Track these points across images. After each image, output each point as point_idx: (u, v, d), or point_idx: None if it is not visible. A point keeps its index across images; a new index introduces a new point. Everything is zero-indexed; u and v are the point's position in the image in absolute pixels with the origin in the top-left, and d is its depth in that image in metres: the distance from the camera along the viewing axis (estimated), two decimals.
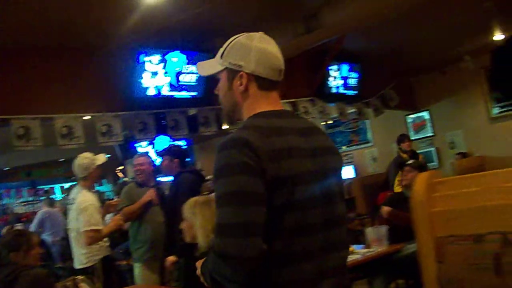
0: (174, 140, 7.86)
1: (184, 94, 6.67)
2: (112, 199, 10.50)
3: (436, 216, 2.22)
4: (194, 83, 6.71)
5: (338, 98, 8.79)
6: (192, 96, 6.78)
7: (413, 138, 11.20)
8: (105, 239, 5.00)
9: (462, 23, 7.69)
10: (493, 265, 1.98)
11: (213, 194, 4.20)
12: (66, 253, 6.62)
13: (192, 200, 3.77)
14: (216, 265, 1.60)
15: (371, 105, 9.44)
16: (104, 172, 6.90)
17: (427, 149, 11.04)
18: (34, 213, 11.46)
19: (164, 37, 6.22)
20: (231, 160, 1.61)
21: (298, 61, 7.62)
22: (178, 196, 4.97)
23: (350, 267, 4.62)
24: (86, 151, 5.21)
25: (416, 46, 8.72)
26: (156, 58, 6.31)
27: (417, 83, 11.10)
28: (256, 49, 1.81)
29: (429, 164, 10.77)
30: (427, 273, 2.23)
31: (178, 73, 6.55)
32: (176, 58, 6.47)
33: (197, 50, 6.63)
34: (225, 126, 7.25)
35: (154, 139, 8.74)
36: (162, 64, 6.37)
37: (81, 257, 4.81)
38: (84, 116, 6.08)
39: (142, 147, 10.55)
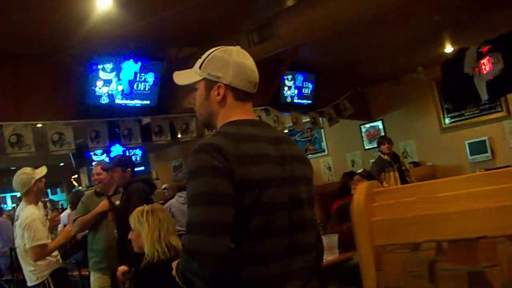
0: (127, 149, 7.81)
1: (137, 102, 6.63)
2: (66, 208, 10.36)
3: (375, 225, 2.27)
4: (147, 92, 6.68)
5: (293, 107, 8.86)
6: (146, 104, 6.75)
7: (367, 147, 11.39)
8: (55, 252, 4.93)
9: (415, 35, 7.85)
10: (428, 272, 2.03)
11: (156, 204, 4.21)
12: (15, 265, 6.48)
13: (138, 209, 3.76)
14: (186, 262, 1.69)
15: (325, 114, 9.55)
16: (59, 181, 6.81)
17: None
18: None
19: (118, 45, 6.17)
20: (202, 163, 1.71)
21: None
22: (130, 206, 4.95)
23: None
24: (37, 160, 5.13)
25: (370, 56, 8.85)
26: (109, 66, 6.25)
27: (371, 93, 11.24)
28: (234, 62, 1.92)
29: None
30: (367, 281, 2.28)
31: (131, 82, 6.51)
32: (130, 66, 6.43)
33: (150, 59, 6.60)
34: (179, 135, 7.24)
35: (109, 148, 8.63)
36: (115, 72, 6.32)
37: (30, 274, 4.73)
38: (35, 124, 5.98)
39: (98, 155, 10.44)
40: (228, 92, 1.92)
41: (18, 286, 5.34)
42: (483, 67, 7.11)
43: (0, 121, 5.72)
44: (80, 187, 12.27)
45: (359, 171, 6.21)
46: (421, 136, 10.51)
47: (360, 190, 2.32)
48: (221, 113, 1.94)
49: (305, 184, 1.94)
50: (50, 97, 6.16)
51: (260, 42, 6.14)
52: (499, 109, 9.55)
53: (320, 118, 9.71)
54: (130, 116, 6.72)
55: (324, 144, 12.19)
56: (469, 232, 2.00)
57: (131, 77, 6.48)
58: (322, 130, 11.67)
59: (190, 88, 2.05)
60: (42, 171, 5.03)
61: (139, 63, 6.49)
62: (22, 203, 4.98)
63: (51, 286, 4.70)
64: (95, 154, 10.41)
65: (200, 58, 1.99)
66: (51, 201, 11.26)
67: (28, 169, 4.95)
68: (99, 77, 6.21)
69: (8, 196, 15.71)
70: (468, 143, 9.71)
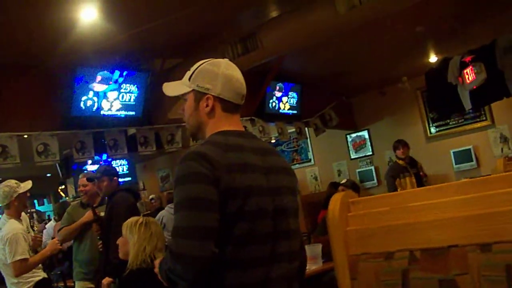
0: (112, 159, 7.80)
1: (122, 113, 6.65)
2: (50, 219, 10.33)
3: (350, 235, 2.30)
4: (132, 103, 6.69)
5: (278, 117, 8.90)
6: (131, 115, 6.76)
7: (353, 157, 11.44)
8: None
9: (400, 46, 7.93)
10: (401, 281, 2.07)
11: (152, 218, 4.24)
12: None
13: (133, 219, 3.82)
14: (170, 264, 1.73)
15: (311, 124, 9.60)
16: (46, 192, 6.79)
17: (367, 168, 11.25)
18: None
19: (103, 57, 6.19)
20: (189, 170, 1.78)
21: None
22: (114, 215, 4.96)
23: None
24: (23, 171, 5.10)
25: (355, 67, 8.93)
26: (95, 77, 6.26)
27: (356, 103, 11.32)
28: (223, 74, 2.00)
29: (368, 183, 11.04)
30: None
31: (117, 93, 6.52)
32: (115, 77, 6.44)
33: (135, 70, 6.62)
34: (166, 146, 7.25)
35: (102, 159, 8.59)
36: (100, 83, 6.33)
37: (12, 287, 4.71)
38: (20, 135, 5.98)
39: (88, 165, 10.41)
40: (216, 103, 2.00)
41: None
42: (467, 76, 7.19)
43: None
44: (67, 198, 12.23)
45: (343, 181, 6.25)
46: None
47: (335, 200, 2.36)
48: (209, 124, 2.01)
49: (290, 194, 2.01)
50: (35, 108, 6.13)
51: (244, 53, 6.18)
52: (484, 118, 9.65)
53: (306, 128, 9.76)
54: (116, 127, 6.72)
55: (310, 154, 12.22)
56: (441, 241, 2.04)
57: (116, 88, 6.49)
58: (308, 140, 11.71)
59: (176, 99, 2.12)
60: (27, 185, 5.01)
61: (124, 74, 6.50)
62: (3, 216, 4.96)
63: None
64: (86, 165, 10.38)
65: (188, 70, 2.06)
66: (37, 212, 11.24)
67: (12, 182, 4.92)
68: (84, 88, 6.20)
69: None
70: (453, 152, 9.79)
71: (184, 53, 6.29)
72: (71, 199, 11.03)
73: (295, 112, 9.26)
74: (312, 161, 12.20)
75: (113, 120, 6.61)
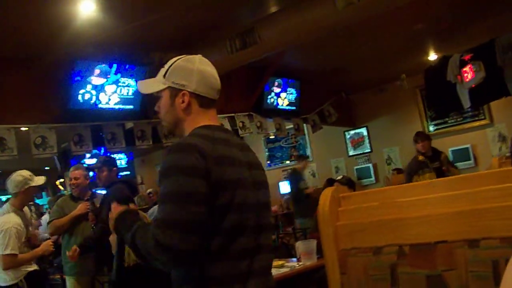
0: (110, 153, 7.80)
1: (120, 107, 6.66)
2: (45, 213, 10.32)
3: (340, 230, 2.31)
4: (130, 97, 6.71)
5: (276, 113, 8.91)
6: (129, 109, 6.78)
7: (351, 154, 11.45)
8: None
9: (399, 43, 7.95)
10: (389, 276, 2.08)
11: (142, 213, 4.24)
12: None
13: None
14: (153, 251, 1.72)
15: (309, 121, 9.60)
16: (44, 185, 6.79)
17: (365, 165, 11.27)
18: None
19: (101, 50, 6.20)
20: (178, 162, 1.78)
21: (236, 76, 7.72)
22: (103, 205, 4.98)
23: (280, 280, 4.74)
24: (21, 163, 5.11)
25: (355, 63, 8.93)
26: (93, 70, 6.28)
27: (355, 100, 11.32)
28: (198, 70, 2.01)
29: (366, 180, 11.05)
30: (332, 285, 2.32)
31: (115, 86, 6.53)
32: (113, 71, 6.45)
33: (134, 64, 6.63)
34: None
35: (101, 152, 8.58)
36: (99, 77, 6.34)
37: (3, 275, 4.69)
38: (18, 127, 5.99)
39: (86, 158, 10.41)
40: (192, 99, 2.00)
41: None
42: (466, 74, 7.19)
43: None
44: (65, 191, 12.23)
45: (338, 177, 6.26)
46: (405, 143, 10.52)
47: (325, 195, 2.37)
48: (187, 120, 2.02)
49: (265, 188, 2.06)
50: (33, 101, 6.16)
51: (242, 48, 6.18)
52: (482, 117, 9.66)
53: (304, 125, 9.77)
54: (114, 121, 6.73)
55: (308, 150, 12.24)
56: (429, 236, 2.05)
57: (114, 82, 6.50)
58: (306, 136, 11.73)
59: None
60: (40, 180, 5.04)
61: (123, 68, 6.52)
62: (5, 206, 4.97)
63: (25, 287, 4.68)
64: (85, 158, 10.39)
65: (163, 67, 2.06)
66: (35, 204, 11.21)
67: (27, 173, 4.95)
68: (82, 82, 6.22)
69: None
70: (452, 151, 9.79)
71: (182, 47, 6.28)
72: (69, 192, 11.03)
73: (293, 108, 9.27)
74: (310, 157, 12.21)
75: (111, 114, 6.62)
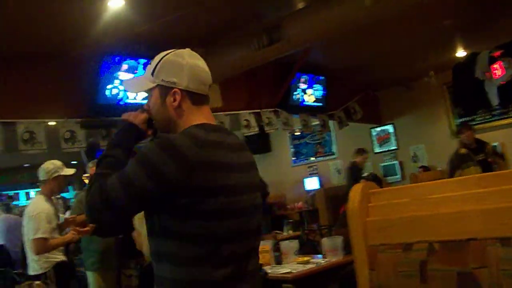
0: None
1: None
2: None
3: (369, 225, 2.30)
4: None
5: (302, 109, 8.89)
6: None
7: (377, 151, 11.39)
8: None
9: (427, 39, 7.85)
10: (419, 272, 2.07)
11: None
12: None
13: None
14: (97, 195, 1.75)
15: (335, 117, 9.57)
16: (71, 179, 6.85)
17: (391, 162, 11.19)
18: None
19: (128, 46, 6.24)
20: (150, 155, 1.68)
21: (262, 72, 7.71)
22: None
23: (306, 276, 4.74)
24: (49, 157, 5.20)
25: (381, 60, 8.85)
26: (121, 65, 6.32)
27: (382, 97, 11.26)
28: (188, 65, 1.87)
29: (392, 177, 10.97)
30: (361, 281, 2.32)
31: None
32: (140, 66, 6.48)
33: None
34: None
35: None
36: (126, 72, 6.38)
37: (33, 263, 4.79)
38: (47, 121, 6.07)
39: None
40: (184, 97, 1.88)
41: (27, 279, 5.39)
42: (495, 71, 7.11)
43: (13, 119, 5.81)
44: None
45: (365, 174, 6.23)
46: (431, 141, 10.49)
47: (355, 190, 2.36)
48: (181, 119, 1.89)
49: (258, 190, 1.96)
50: (62, 95, 6.24)
51: (269, 45, 6.17)
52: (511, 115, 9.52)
53: (330, 121, 9.73)
54: None
55: (334, 147, 12.20)
56: (460, 233, 2.03)
57: None
58: (332, 133, 11.69)
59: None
60: (70, 171, 5.19)
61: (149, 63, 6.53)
62: (36, 194, 5.07)
63: (53, 278, 4.75)
64: None
65: (150, 64, 1.96)
66: (62, 198, 11.34)
67: (58, 163, 5.10)
68: (110, 77, 6.27)
69: (21, 193, 15.82)
70: None
71: (208, 43, 6.29)
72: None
73: (320, 104, 9.22)
74: (336, 154, 12.16)
75: (139, 108, 6.63)
